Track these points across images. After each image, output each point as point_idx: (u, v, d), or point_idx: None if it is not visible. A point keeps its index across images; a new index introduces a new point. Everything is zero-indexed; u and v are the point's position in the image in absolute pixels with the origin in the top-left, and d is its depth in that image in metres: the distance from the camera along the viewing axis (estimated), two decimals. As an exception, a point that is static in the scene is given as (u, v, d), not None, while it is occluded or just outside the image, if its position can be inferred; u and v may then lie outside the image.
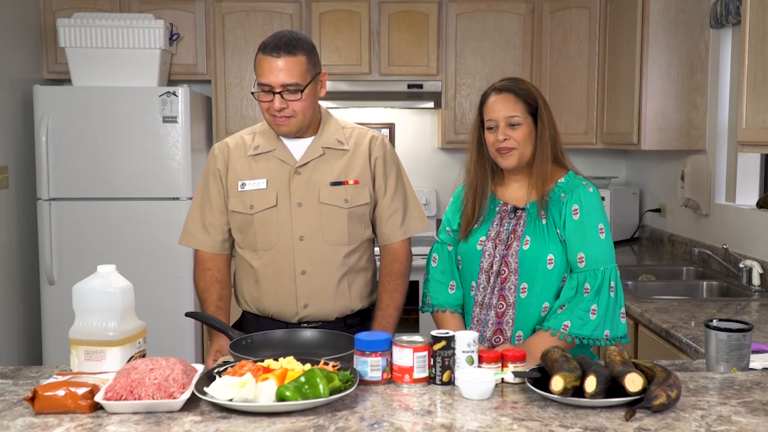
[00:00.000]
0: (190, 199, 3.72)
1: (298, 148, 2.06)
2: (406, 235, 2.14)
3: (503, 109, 1.93)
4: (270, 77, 1.93)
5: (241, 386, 1.44)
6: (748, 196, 3.31)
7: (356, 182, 2.06)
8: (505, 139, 1.93)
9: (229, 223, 2.10)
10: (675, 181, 3.80)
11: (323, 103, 2.14)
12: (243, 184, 2.05)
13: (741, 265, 3.02)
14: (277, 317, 2.08)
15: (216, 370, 1.58)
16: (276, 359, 1.58)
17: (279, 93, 1.94)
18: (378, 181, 2.10)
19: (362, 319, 2.14)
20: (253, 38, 4.12)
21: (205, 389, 1.47)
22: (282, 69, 1.92)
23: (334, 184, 2.05)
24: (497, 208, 2.02)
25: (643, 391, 1.46)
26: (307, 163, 2.05)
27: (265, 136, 2.09)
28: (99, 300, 1.64)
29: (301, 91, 1.95)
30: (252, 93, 1.98)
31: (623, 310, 1.94)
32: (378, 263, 2.18)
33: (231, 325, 2.04)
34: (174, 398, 1.43)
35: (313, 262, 2.05)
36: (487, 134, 1.97)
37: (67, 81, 4.08)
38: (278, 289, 2.06)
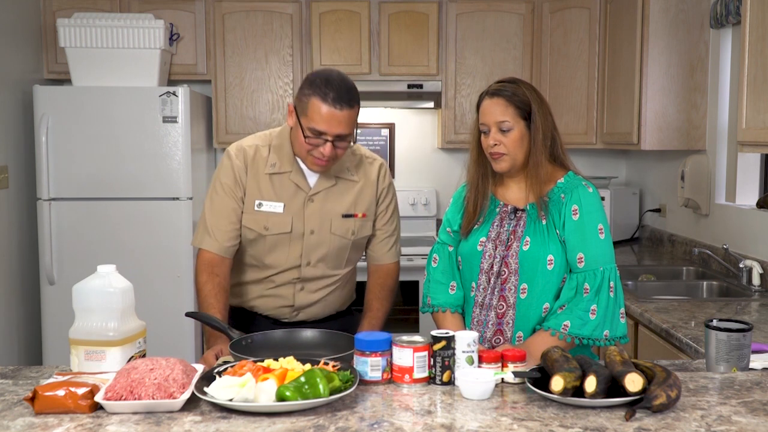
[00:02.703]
0: (190, 199, 3.73)
1: (312, 173, 2.11)
2: (396, 258, 2.29)
3: (494, 114, 1.93)
4: (329, 127, 1.96)
5: (241, 386, 1.44)
6: (748, 196, 3.31)
7: (364, 215, 2.17)
8: (495, 144, 1.94)
9: (241, 233, 2.13)
10: (675, 181, 3.80)
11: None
12: (260, 204, 2.09)
13: (741, 265, 3.02)
14: (269, 316, 2.21)
15: (216, 370, 1.58)
16: (276, 359, 1.58)
17: (331, 141, 1.98)
18: (380, 207, 2.22)
19: (340, 315, 2.30)
20: (253, 38, 4.12)
21: (205, 389, 1.47)
22: (342, 122, 1.97)
23: (346, 216, 2.14)
24: (497, 209, 2.01)
25: (643, 391, 1.46)
26: (320, 191, 2.12)
27: (280, 153, 2.11)
28: (99, 300, 1.64)
29: (351, 141, 2.03)
30: (305, 137, 1.98)
31: (623, 310, 1.94)
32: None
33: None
34: (174, 398, 1.43)
35: (312, 280, 2.17)
36: (482, 137, 1.98)
37: (67, 81, 4.08)
38: (275, 298, 2.18)
